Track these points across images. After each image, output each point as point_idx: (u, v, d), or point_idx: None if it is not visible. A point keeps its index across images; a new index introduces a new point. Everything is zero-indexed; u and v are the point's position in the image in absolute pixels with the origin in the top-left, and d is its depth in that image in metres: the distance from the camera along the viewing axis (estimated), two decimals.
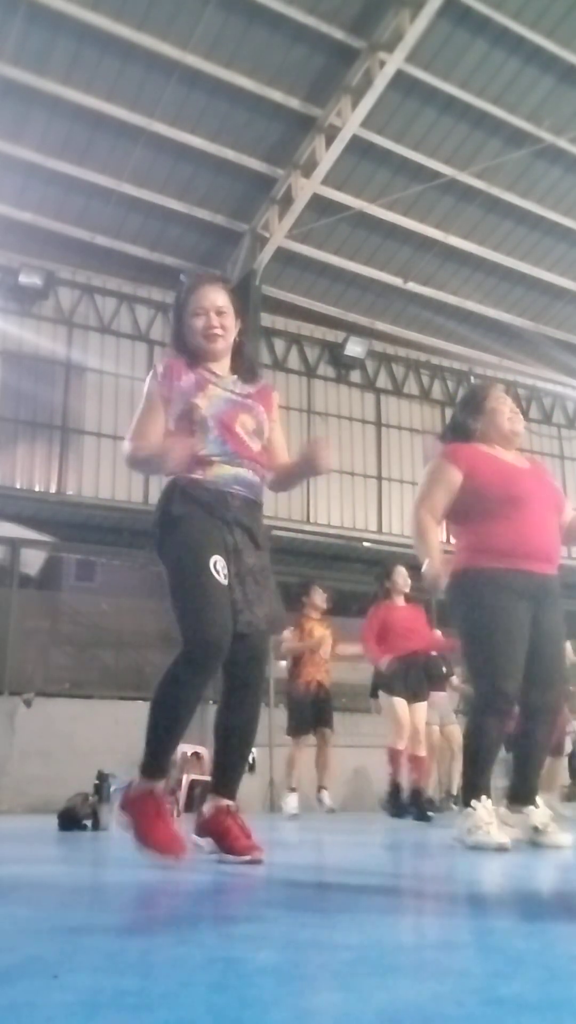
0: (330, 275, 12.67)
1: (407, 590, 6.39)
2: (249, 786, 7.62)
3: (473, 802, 3.20)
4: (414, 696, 6.17)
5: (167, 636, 7.67)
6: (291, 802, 6.70)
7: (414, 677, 6.23)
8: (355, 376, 13.96)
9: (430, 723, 7.17)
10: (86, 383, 12.07)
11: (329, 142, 10.52)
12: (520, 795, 3.41)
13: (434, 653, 7.20)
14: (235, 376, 2.84)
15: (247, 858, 2.54)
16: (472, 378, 14.67)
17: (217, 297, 2.78)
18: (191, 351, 2.79)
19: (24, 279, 11.36)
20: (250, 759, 7.42)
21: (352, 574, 11.91)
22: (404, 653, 6.12)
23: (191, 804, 6.88)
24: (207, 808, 2.73)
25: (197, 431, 2.67)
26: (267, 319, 12.73)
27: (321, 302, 13.05)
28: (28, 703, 7.68)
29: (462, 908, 1.93)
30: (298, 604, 7.04)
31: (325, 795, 6.83)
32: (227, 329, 2.78)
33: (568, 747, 7.57)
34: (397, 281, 12.60)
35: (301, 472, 2.92)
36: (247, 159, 10.88)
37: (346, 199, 11.36)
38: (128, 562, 10.55)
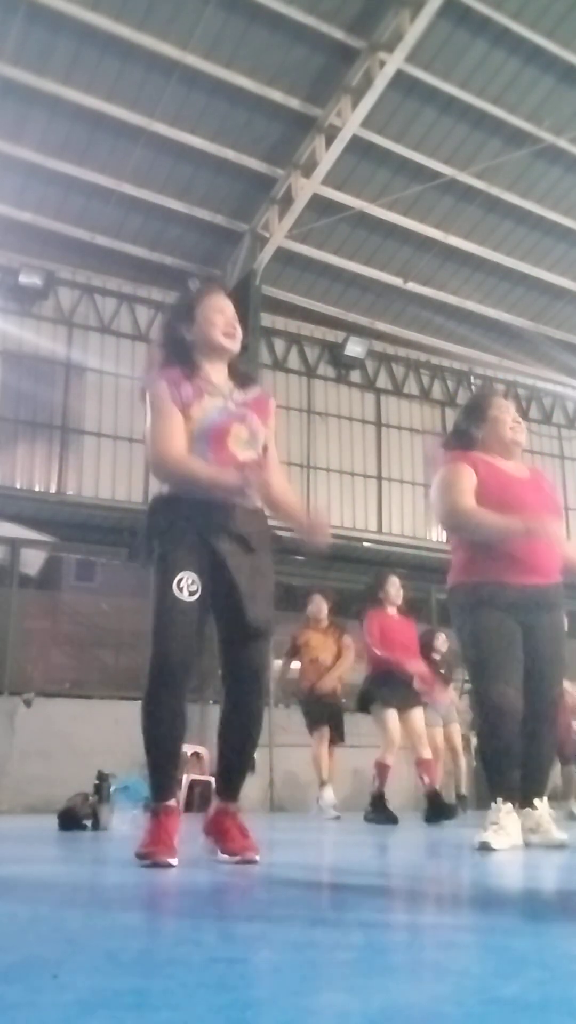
0: (330, 275, 12.66)
1: (399, 601, 6.37)
2: (249, 786, 7.60)
3: (491, 804, 3.25)
4: (407, 703, 6.14)
5: None
6: (328, 795, 6.65)
7: (406, 684, 6.21)
8: (355, 376, 13.96)
9: (432, 725, 7.16)
10: (86, 383, 12.07)
11: (329, 142, 10.52)
12: (522, 798, 3.42)
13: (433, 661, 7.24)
14: (231, 384, 2.83)
15: (238, 857, 2.56)
16: (472, 378, 14.68)
17: (228, 304, 2.85)
18: (192, 356, 2.77)
19: (24, 279, 11.36)
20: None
21: (352, 574, 11.91)
22: (395, 667, 6.10)
23: (191, 804, 6.89)
24: (213, 808, 2.76)
25: (189, 441, 2.67)
26: (267, 319, 12.72)
27: (321, 302, 13.05)
28: (28, 703, 7.68)
29: (462, 908, 1.93)
30: (297, 610, 7.04)
31: (328, 798, 6.81)
32: (240, 334, 2.84)
33: None
34: (397, 281, 12.60)
35: (293, 525, 2.92)
36: (247, 159, 10.88)
37: (346, 199, 11.36)
38: (128, 562, 10.55)
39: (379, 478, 13.75)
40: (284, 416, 12.67)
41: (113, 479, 11.76)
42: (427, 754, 6.15)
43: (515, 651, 3.32)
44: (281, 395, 12.75)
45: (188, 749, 7.04)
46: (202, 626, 2.66)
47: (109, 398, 11.84)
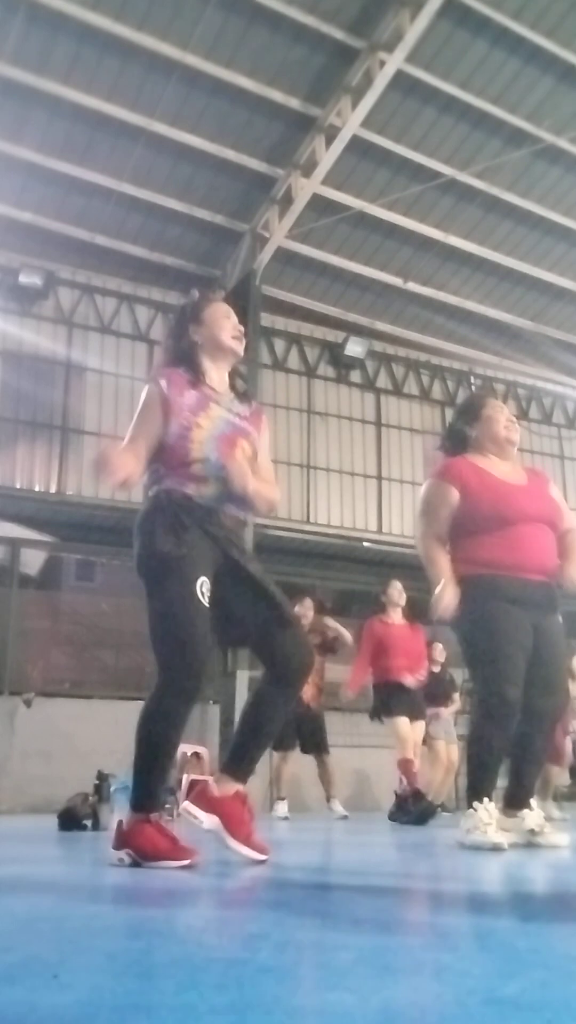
0: (330, 275, 12.66)
1: (402, 603, 6.38)
2: (249, 786, 7.62)
3: (475, 804, 3.21)
4: (412, 715, 6.20)
5: None
6: (281, 808, 6.74)
7: (412, 696, 6.25)
8: (355, 376, 13.96)
9: (435, 737, 7.20)
10: (86, 383, 12.07)
11: (329, 142, 10.52)
12: (515, 799, 3.43)
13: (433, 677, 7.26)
14: (232, 394, 2.85)
15: (252, 854, 2.53)
16: (472, 378, 14.67)
17: (233, 313, 2.91)
18: (198, 358, 2.79)
19: (24, 279, 11.35)
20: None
21: (352, 574, 11.93)
22: (396, 678, 6.12)
23: None
24: (218, 787, 2.63)
25: (195, 451, 2.66)
26: (267, 319, 12.72)
27: (321, 302, 13.04)
28: (28, 703, 7.68)
29: (462, 908, 1.93)
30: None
31: (336, 804, 6.86)
32: (244, 341, 2.90)
33: (569, 755, 7.54)
34: (397, 281, 12.59)
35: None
36: (247, 159, 10.88)
37: (346, 199, 11.35)
38: (128, 562, 10.53)
39: (379, 478, 13.74)
40: (284, 416, 12.68)
41: None
42: (410, 755, 6.19)
43: (526, 650, 3.29)
44: (281, 395, 12.76)
45: (188, 749, 7.04)
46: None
47: (109, 398, 11.84)
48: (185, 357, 2.80)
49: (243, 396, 2.91)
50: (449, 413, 13.73)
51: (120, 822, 2.58)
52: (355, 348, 13.38)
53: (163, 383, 2.73)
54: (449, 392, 14.54)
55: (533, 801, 3.40)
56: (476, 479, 3.45)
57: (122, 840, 2.51)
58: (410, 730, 6.12)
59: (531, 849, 3.24)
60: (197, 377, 2.75)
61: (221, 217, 11.60)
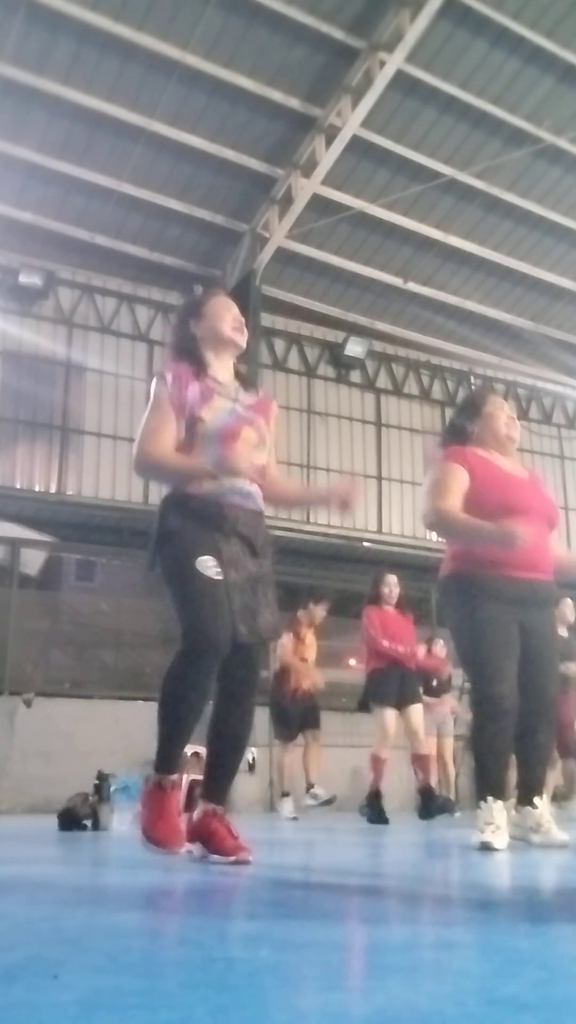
0: (330, 275, 12.67)
1: (394, 599, 6.40)
2: (249, 786, 7.62)
3: (480, 803, 3.23)
4: (406, 700, 6.16)
5: (167, 636, 7.68)
6: (287, 806, 6.72)
7: (405, 683, 6.22)
8: (355, 376, 13.97)
9: (427, 734, 7.17)
10: (86, 383, 12.07)
11: (329, 142, 10.52)
12: (521, 796, 3.43)
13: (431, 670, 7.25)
14: (237, 384, 2.86)
15: (233, 859, 2.55)
16: (472, 378, 14.68)
17: (234, 305, 2.92)
18: (200, 352, 2.80)
19: (24, 279, 11.36)
20: (250, 759, 7.42)
21: (352, 574, 11.91)
22: (393, 662, 6.11)
23: (191, 804, 6.88)
24: (196, 813, 2.73)
25: (198, 443, 2.69)
26: (267, 319, 12.73)
27: (321, 302, 13.05)
28: (28, 703, 7.67)
29: (461, 908, 1.93)
30: (301, 605, 7.04)
31: (318, 789, 6.82)
32: (246, 332, 2.91)
33: None
34: (397, 281, 12.60)
35: (316, 503, 2.95)
36: (247, 159, 10.88)
37: (346, 199, 11.36)
38: (128, 562, 10.54)
39: (379, 478, 13.75)
40: (284, 416, 12.66)
41: (113, 479, 11.76)
42: (424, 750, 6.19)
43: (514, 649, 3.31)
44: (281, 395, 12.76)
45: (188, 749, 7.03)
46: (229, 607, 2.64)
47: (109, 398, 11.85)
48: (187, 351, 2.82)
49: (250, 385, 2.92)
50: (449, 413, 13.72)
51: (147, 777, 2.69)
52: (355, 348, 13.38)
53: (168, 377, 2.75)
54: (449, 392, 14.55)
55: (538, 799, 3.39)
56: (482, 468, 3.45)
57: (142, 796, 2.64)
58: (393, 725, 6.09)
59: (531, 849, 3.24)
60: (201, 370, 2.77)
61: (221, 217, 11.60)
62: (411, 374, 14.43)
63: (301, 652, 6.97)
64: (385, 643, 6.09)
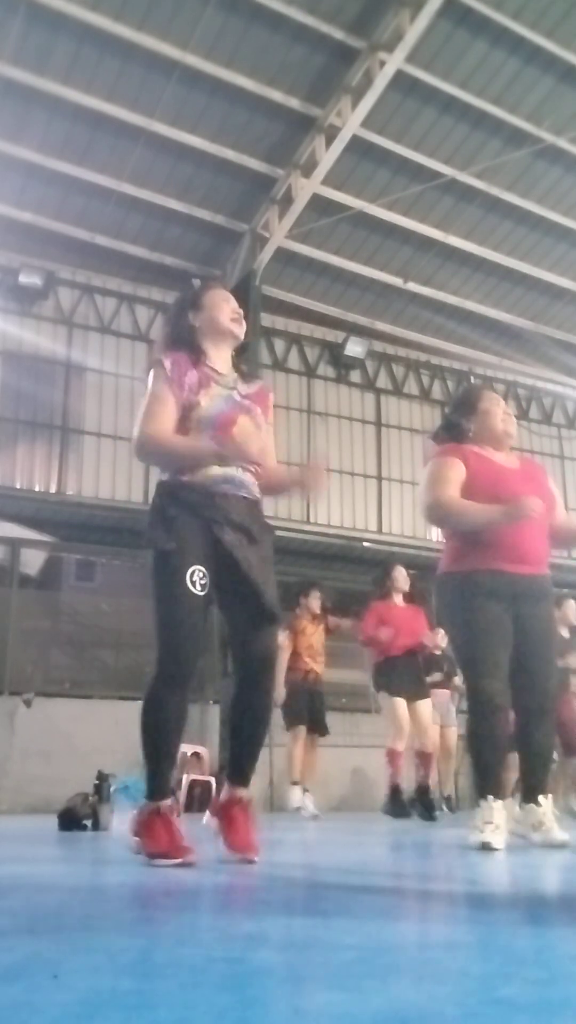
0: (330, 275, 12.66)
1: (406, 588, 6.40)
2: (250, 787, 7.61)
3: (480, 801, 3.23)
4: (416, 694, 6.16)
5: None
6: (295, 795, 6.66)
7: (414, 674, 6.22)
8: (355, 376, 13.96)
9: (433, 722, 7.14)
10: (86, 383, 12.07)
11: (329, 142, 10.52)
12: (524, 794, 3.43)
13: (433, 650, 7.20)
14: (236, 375, 2.86)
15: (239, 856, 2.55)
16: (472, 378, 14.67)
17: (231, 297, 2.93)
18: (198, 343, 2.81)
19: (24, 279, 11.36)
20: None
21: (352, 574, 11.92)
22: (401, 651, 6.11)
23: (191, 804, 6.88)
24: (224, 792, 2.77)
25: (194, 429, 2.68)
26: (267, 319, 12.72)
27: (321, 302, 13.04)
28: (28, 703, 7.68)
29: (462, 908, 1.94)
30: (295, 604, 7.03)
31: (308, 800, 6.78)
32: (244, 323, 2.91)
33: None
34: (397, 281, 12.60)
35: (289, 487, 2.94)
36: (247, 159, 10.88)
37: (346, 199, 11.36)
38: (128, 562, 10.54)
39: (379, 478, 13.75)
40: (284, 416, 12.67)
41: (113, 479, 11.76)
42: (429, 748, 6.18)
43: (507, 645, 3.31)
44: (281, 395, 12.75)
45: (188, 749, 7.04)
46: (206, 622, 2.67)
47: (109, 398, 11.84)
48: (184, 341, 2.82)
49: (248, 376, 2.93)
50: None
51: (139, 809, 2.65)
52: (355, 348, 13.38)
53: (167, 363, 2.75)
54: (449, 392, 14.53)
55: (542, 797, 3.39)
56: (476, 462, 3.47)
57: (136, 827, 2.59)
58: (406, 715, 6.08)
59: (531, 848, 3.24)
60: (198, 358, 2.77)
61: (221, 217, 11.60)
62: (411, 374, 14.43)
63: (305, 641, 6.93)
64: (371, 633, 6.09)
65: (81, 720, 7.77)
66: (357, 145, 10.66)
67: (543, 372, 14.66)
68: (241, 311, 2.90)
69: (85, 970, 1.13)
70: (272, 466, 2.89)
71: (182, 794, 6.66)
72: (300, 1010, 0.95)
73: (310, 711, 6.82)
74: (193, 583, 2.55)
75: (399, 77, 10.01)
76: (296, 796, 6.67)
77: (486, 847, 3.05)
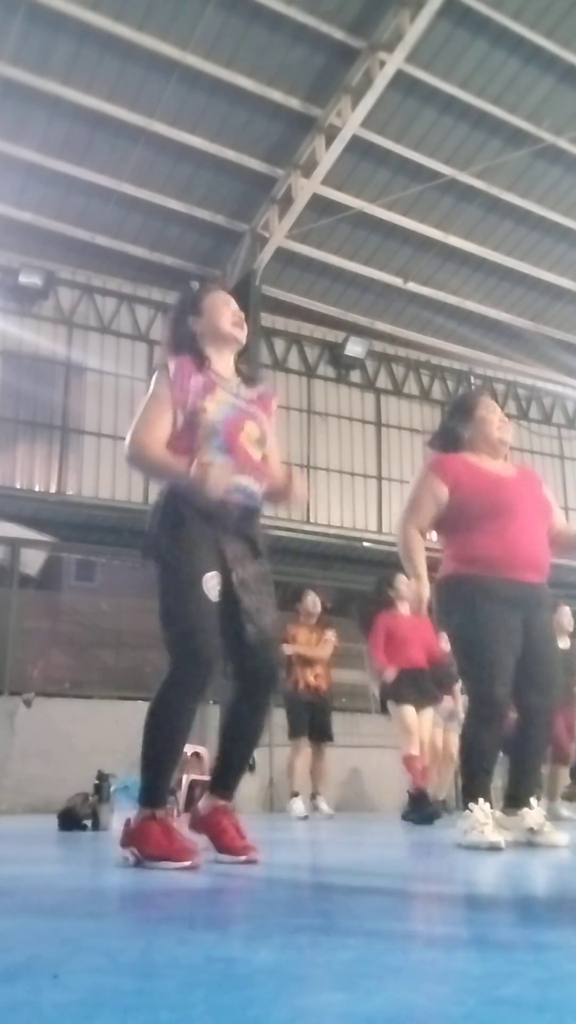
0: (330, 275, 12.67)
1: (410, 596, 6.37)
2: (249, 786, 7.61)
3: (470, 804, 3.22)
4: (423, 701, 6.17)
5: None
6: (297, 806, 6.69)
7: (422, 684, 6.22)
8: (355, 376, 13.96)
9: (435, 725, 7.15)
10: (86, 383, 12.08)
11: (329, 142, 10.52)
12: (515, 797, 3.43)
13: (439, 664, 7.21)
14: (239, 379, 2.84)
15: (243, 858, 2.54)
16: (472, 378, 14.67)
17: (232, 300, 2.90)
18: (200, 348, 2.77)
19: (24, 279, 11.36)
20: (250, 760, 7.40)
21: (352, 574, 11.91)
22: (409, 666, 6.11)
23: (191, 804, 6.88)
24: (203, 806, 2.72)
25: (201, 435, 2.64)
26: (267, 319, 12.73)
27: (321, 302, 13.05)
28: (28, 703, 7.67)
29: (461, 908, 1.93)
30: (291, 608, 7.01)
31: (321, 801, 6.84)
32: (245, 326, 2.88)
33: (574, 756, 7.50)
34: (397, 281, 12.60)
35: (285, 495, 2.92)
36: (247, 159, 10.89)
37: (346, 199, 11.36)
38: (128, 562, 10.54)
39: (379, 478, 13.75)
40: (284, 416, 12.68)
41: (113, 479, 11.76)
42: (415, 750, 6.16)
43: (515, 653, 3.30)
44: (281, 395, 12.74)
45: (188, 749, 7.02)
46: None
47: (109, 398, 11.85)
48: (186, 347, 2.79)
49: (250, 380, 2.89)
50: None
51: (128, 820, 2.59)
52: (355, 348, 13.38)
53: (171, 368, 2.71)
54: (449, 392, 14.54)
55: (534, 800, 3.40)
56: (468, 475, 3.47)
57: (128, 838, 2.52)
58: (416, 721, 6.08)
59: (531, 849, 3.24)
60: (202, 363, 2.75)
61: (221, 217, 11.60)
62: (411, 374, 14.43)
63: (297, 650, 6.91)
64: (379, 660, 6.11)
65: (81, 720, 7.76)
66: (357, 145, 10.67)
67: (543, 372, 14.67)
68: (242, 314, 2.87)
69: (85, 970, 1.13)
70: (276, 473, 2.88)
71: (182, 794, 6.65)
72: (300, 1010, 0.95)
73: (312, 721, 6.78)
74: (208, 589, 2.52)
75: (399, 77, 10.01)
76: (298, 807, 6.68)
77: (494, 847, 3.04)
